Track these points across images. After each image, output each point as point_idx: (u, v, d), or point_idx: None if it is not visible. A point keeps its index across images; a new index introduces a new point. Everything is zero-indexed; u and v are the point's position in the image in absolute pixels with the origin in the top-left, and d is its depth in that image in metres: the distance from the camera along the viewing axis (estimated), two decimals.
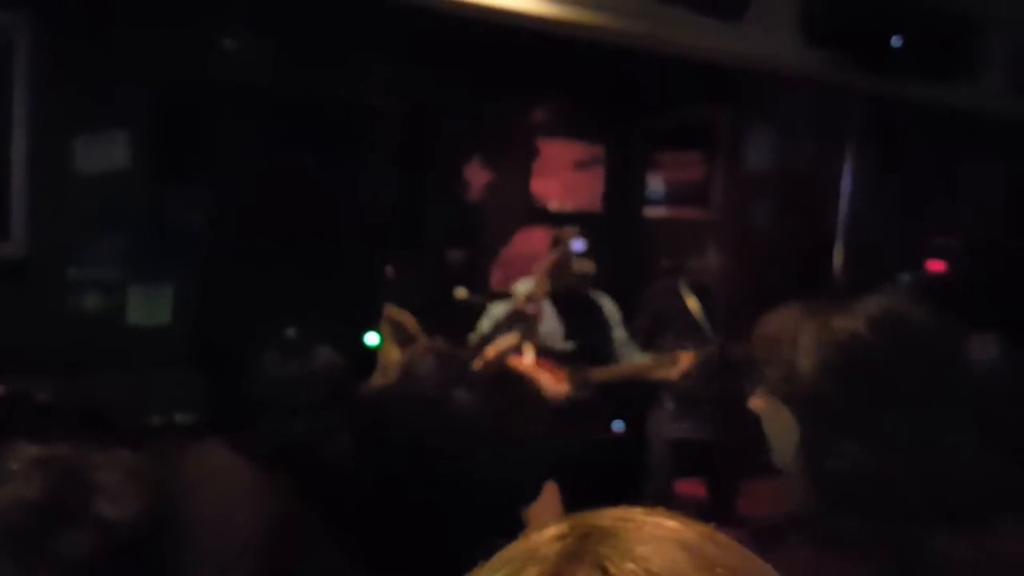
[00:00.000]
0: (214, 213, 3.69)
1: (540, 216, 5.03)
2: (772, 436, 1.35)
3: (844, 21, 3.89)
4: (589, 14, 3.70)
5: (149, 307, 3.54)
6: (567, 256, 3.91)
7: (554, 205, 5.09)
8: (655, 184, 5.38)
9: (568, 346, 3.85)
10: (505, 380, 3.59)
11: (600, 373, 3.84)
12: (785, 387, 1.29)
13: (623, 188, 5.26)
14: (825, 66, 4.04)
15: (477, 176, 4.79)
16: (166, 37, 3.47)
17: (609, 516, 0.63)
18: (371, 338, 3.18)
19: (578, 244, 3.93)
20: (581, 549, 0.60)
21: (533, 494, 1.92)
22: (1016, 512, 1.20)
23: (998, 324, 4.07)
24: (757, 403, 1.36)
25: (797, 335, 1.27)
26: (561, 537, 0.61)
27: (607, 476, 3.28)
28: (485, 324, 3.75)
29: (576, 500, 0.69)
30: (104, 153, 3.41)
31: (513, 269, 4.91)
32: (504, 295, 4.00)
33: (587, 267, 3.95)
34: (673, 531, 0.62)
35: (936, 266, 5.24)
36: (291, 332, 2.52)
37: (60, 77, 3.28)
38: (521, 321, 3.65)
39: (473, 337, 3.67)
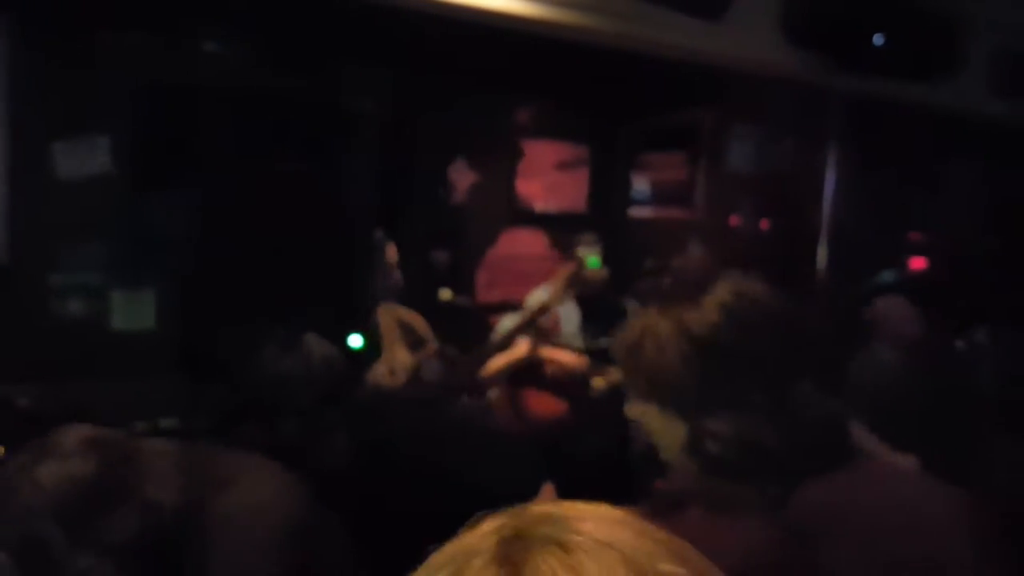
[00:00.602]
0: (197, 216, 3.67)
1: (525, 217, 5.04)
2: (655, 437, 1.42)
3: (825, 20, 3.91)
4: (571, 14, 3.70)
5: (132, 312, 3.53)
6: (581, 266, 3.95)
7: (539, 206, 5.10)
8: (639, 184, 5.39)
9: (589, 345, 3.86)
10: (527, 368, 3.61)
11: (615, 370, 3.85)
12: (655, 390, 1.38)
13: (607, 189, 5.27)
14: (807, 66, 4.05)
15: (462, 177, 4.80)
16: (147, 41, 3.46)
17: (539, 507, 0.65)
18: (354, 340, 3.18)
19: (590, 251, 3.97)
20: (524, 533, 0.62)
21: (531, 495, 1.94)
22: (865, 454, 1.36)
23: (979, 319, 4.11)
24: (634, 411, 1.43)
25: (656, 338, 1.34)
26: (498, 530, 0.63)
27: (601, 475, 3.29)
28: (498, 334, 3.76)
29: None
30: (85, 158, 3.39)
31: (499, 270, 4.92)
32: (503, 307, 4.01)
33: (600, 274, 3.98)
34: (604, 509, 0.65)
35: (918, 263, 5.28)
36: (278, 330, 2.51)
37: (40, 82, 3.26)
38: (534, 332, 3.66)
39: (486, 346, 3.68)
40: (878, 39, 3.84)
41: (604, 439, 3.52)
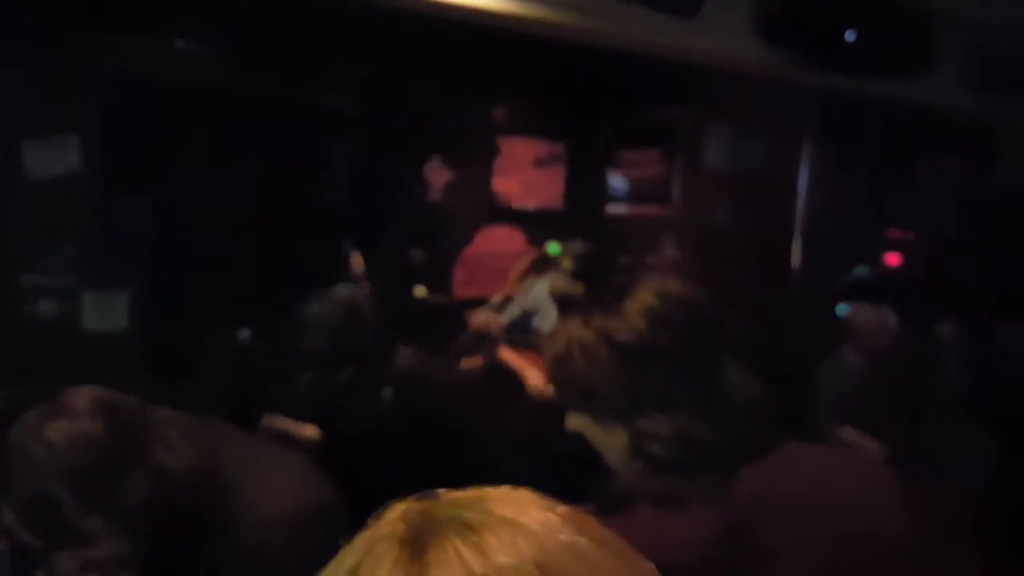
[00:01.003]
0: (166, 217, 3.65)
1: (502, 214, 5.04)
2: (599, 446, 1.43)
3: (797, 17, 3.93)
4: (546, 11, 3.70)
5: (105, 312, 3.51)
6: (543, 264, 3.93)
7: (516, 203, 5.11)
8: (616, 182, 5.40)
9: None
10: (497, 373, 3.61)
11: None
12: (588, 400, 1.39)
13: (584, 186, 5.28)
14: (781, 63, 4.07)
15: (437, 175, 4.79)
16: (119, 39, 3.43)
17: (449, 492, 0.66)
18: None
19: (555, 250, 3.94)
20: (430, 516, 0.62)
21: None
22: (795, 438, 1.39)
23: (953, 315, 4.15)
24: (572, 423, 1.43)
25: (583, 349, 1.34)
26: (404, 514, 0.64)
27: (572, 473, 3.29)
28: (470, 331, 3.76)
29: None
30: (56, 157, 3.37)
31: (476, 268, 4.91)
32: (481, 304, 4.00)
33: (573, 288, 3.97)
34: (512, 491, 0.66)
35: (892, 259, 5.32)
36: (244, 335, 2.50)
37: (9, 80, 3.24)
38: (483, 339, 3.66)
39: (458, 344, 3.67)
40: (850, 35, 3.87)
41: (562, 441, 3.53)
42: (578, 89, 4.84)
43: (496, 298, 3.86)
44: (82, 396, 1.43)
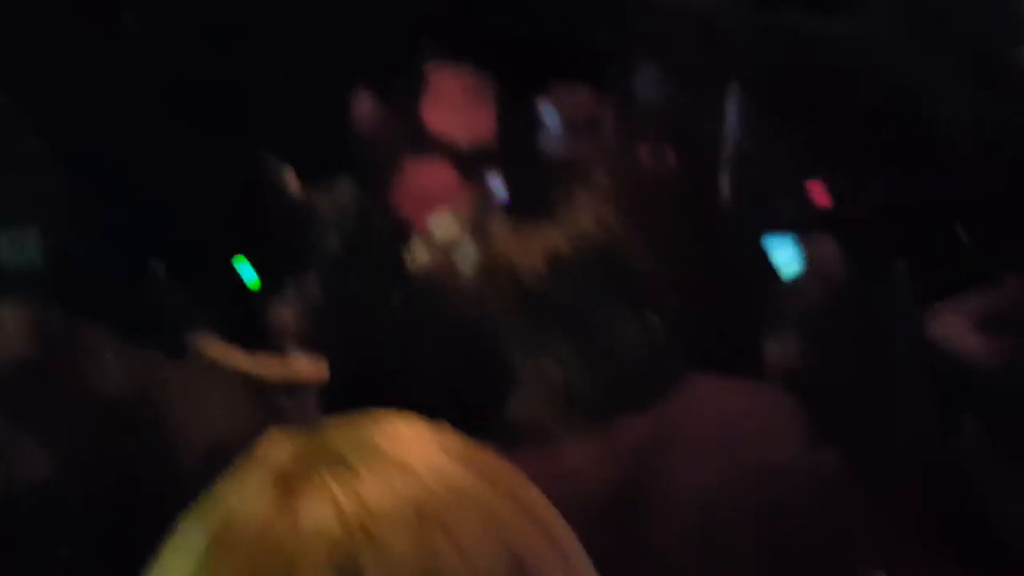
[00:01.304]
0: (84, 150, 3.54)
1: (432, 147, 4.98)
2: None
3: None
4: None
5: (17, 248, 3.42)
6: (487, 201, 3.90)
7: (446, 138, 5.04)
8: (548, 118, 5.36)
9: None
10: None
11: None
12: None
13: (515, 120, 5.24)
14: None
15: (365, 108, 4.71)
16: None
17: (341, 423, 0.60)
18: (247, 272, 3.10)
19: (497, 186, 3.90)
20: (314, 450, 0.57)
21: None
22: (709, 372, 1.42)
23: (896, 255, 4.19)
24: None
25: (489, 276, 1.36)
26: (285, 446, 0.59)
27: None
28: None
29: None
30: None
31: (405, 202, 4.86)
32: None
33: (496, 215, 3.93)
34: (413, 427, 0.60)
35: (823, 200, 5.36)
36: (158, 267, 2.46)
37: None
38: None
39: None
40: None
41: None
42: (510, 22, 4.78)
43: (438, 232, 3.77)
44: (13, 315, 1.40)
